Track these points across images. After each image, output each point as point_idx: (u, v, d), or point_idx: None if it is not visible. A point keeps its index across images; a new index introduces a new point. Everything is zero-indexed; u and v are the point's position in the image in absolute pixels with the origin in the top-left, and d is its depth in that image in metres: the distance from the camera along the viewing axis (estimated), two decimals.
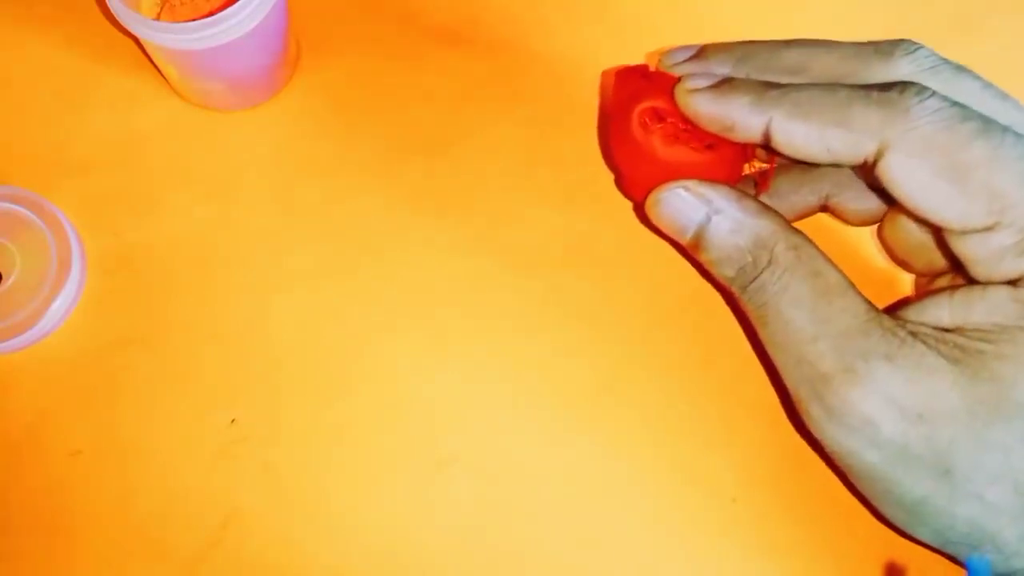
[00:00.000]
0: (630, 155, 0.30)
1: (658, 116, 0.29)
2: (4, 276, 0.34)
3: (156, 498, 0.32)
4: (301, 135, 0.36)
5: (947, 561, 0.29)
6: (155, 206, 0.35)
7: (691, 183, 0.29)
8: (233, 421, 0.32)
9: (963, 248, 0.26)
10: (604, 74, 0.36)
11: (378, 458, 0.32)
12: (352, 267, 0.34)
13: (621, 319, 0.34)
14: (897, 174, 0.26)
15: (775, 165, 0.31)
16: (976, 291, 0.27)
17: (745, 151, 0.30)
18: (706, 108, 0.28)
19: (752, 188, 0.32)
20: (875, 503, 0.28)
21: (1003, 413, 0.25)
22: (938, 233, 0.28)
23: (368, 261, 0.34)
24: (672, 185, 0.29)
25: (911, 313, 0.28)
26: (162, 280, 0.34)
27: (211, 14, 0.31)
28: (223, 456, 0.32)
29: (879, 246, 0.33)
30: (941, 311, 0.27)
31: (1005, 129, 0.25)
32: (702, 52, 0.30)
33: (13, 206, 0.34)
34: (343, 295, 0.34)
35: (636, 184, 0.31)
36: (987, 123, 0.25)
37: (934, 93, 0.26)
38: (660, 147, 0.29)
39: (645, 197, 0.30)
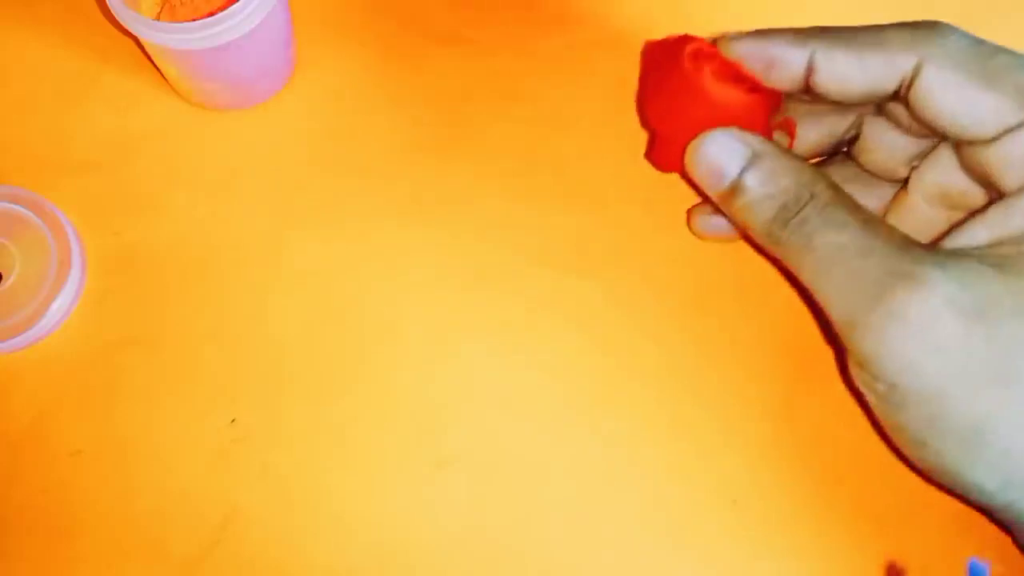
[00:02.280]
0: (672, 98, 0.30)
1: (707, 57, 0.30)
2: (4, 276, 0.34)
3: (156, 498, 0.32)
4: (301, 135, 0.36)
5: (947, 561, 0.29)
6: (155, 206, 0.35)
7: (734, 130, 0.30)
8: (233, 421, 0.32)
9: (995, 156, 0.27)
10: (647, 42, 0.36)
11: (378, 458, 0.32)
12: (352, 267, 0.34)
13: (621, 319, 0.34)
14: (934, 85, 0.27)
15: (795, 121, 0.32)
16: (1011, 200, 0.27)
17: (779, 101, 0.31)
18: (751, 46, 0.30)
19: (783, 139, 0.33)
20: (927, 439, 0.27)
21: None
22: (966, 159, 0.29)
23: (368, 261, 0.34)
24: (718, 129, 0.30)
25: (946, 242, 0.28)
26: (162, 280, 0.34)
27: (211, 14, 0.31)
28: (223, 456, 0.32)
29: None
30: (976, 232, 0.28)
31: None
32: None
33: (13, 206, 0.34)
34: (343, 295, 0.34)
35: (675, 132, 0.31)
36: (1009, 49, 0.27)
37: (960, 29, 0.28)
38: (710, 80, 0.29)
39: (683, 147, 0.30)
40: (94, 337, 0.34)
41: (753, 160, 0.29)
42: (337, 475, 0.32)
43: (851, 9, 0.38)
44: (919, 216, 0.31)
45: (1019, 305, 0.25)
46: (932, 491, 0.31)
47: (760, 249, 0.34)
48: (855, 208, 0.28)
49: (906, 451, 0.28)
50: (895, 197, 0.32)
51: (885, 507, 0.31)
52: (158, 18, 0.36)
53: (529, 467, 0.32)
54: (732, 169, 0.29)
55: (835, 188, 0.28)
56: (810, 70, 0.29)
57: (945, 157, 0.30)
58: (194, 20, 0.31)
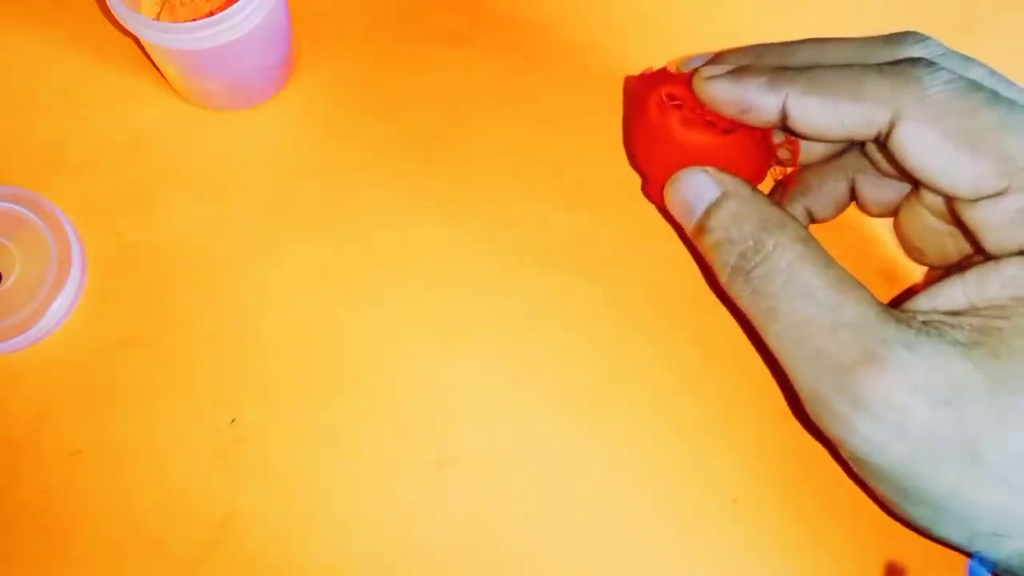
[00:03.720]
0: (649, 142, 0.31)
1: (676, 101, 0.30)
2: (4, 276, 0.34)
3: (156, 498, 0.32)
4: (301, 135, 0.36)
5: (947, 561, 0.29)
6: (155, 206, 0.35)
7: (710, 168, 0.29)
8: (233, 421, 0.32)
9: (975, 217, 0.26)
10: (627, 78, 0.36)
11: (378, 458, 0.32)
12: (352, 267, 0.34)
13: (621, 319, 0.34)
14: (909, 142, 0.26)
15: (798, 168, 0.32)
16: (989, 267, 0.26)
17: (763, 139, 0.30)
18: (722, 90, 0.29)
19: (778, 192, 0.33)
20: (898, 503, 0.27)
21: None
22: (951, 207, 0.28)
23: (368, 261, 0.34)
24: (691, 168, 0.29)
25: (923, 300, 0.27)
26: (162, 280, 0.34)
27: (211, 14, 0.31)
28: (223, 456, 0.32)
29: (895, 242, 0.33)
30: (955, 292, 0.27)
31: (1013, 100, 0.26)
32: (719, 55, 0.31)
33: (13, 206, 0.34)
34: (343, 295, 0.34)
35: (656, 174, 0.31)
36: (995, 94, 0.26)
37: (943, 67, 0.26)
38: (678, 128, 0.29)
39: (663, 188, 0.30)
40: (94, 337, 0.34)
41: (719, 201, 0.29)
42: (337, 475, 0.32)
43: (846, 13, 0.38)
44: (925, 223, 0.31)
45: (989, 387, 0.25)
46: None
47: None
48: (824, 266, 0.27)
49: (879, 501, 0.29)
50: (907, 197, 0.31)
51: None
52: (158, 18, 0.36)
53: (529, 467, 0.32)
54: (698, 207, 0.29)
55: (804, 240, 0.27)
56: (784, 115, 0.28)
57: (928, 199, 0.30)
58: (194, 20, 0.31)
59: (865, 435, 0.26)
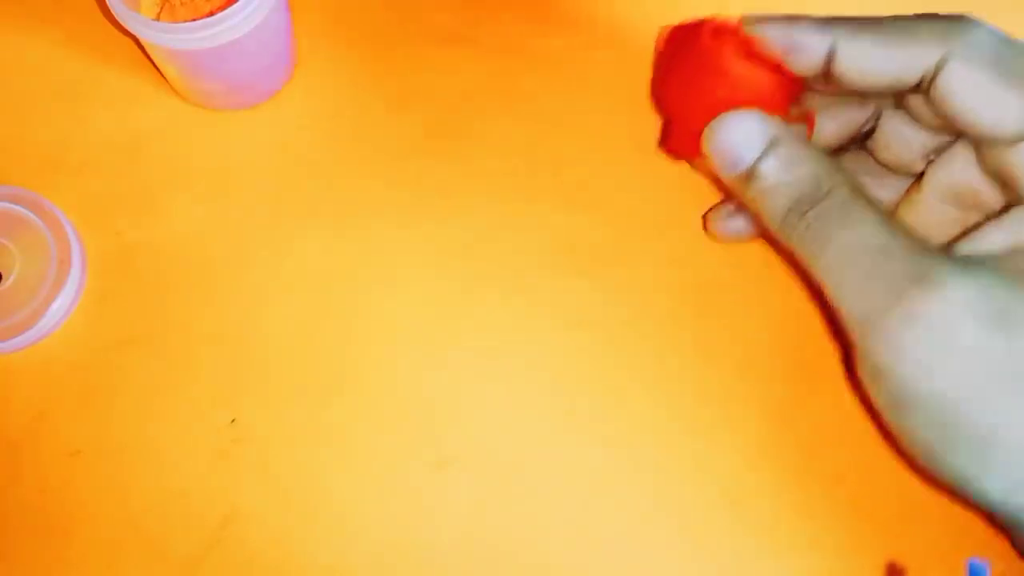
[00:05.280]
0: (695, 76, 0.30)
1: (728, 34, 0.29)
2: (4, 276, 0.34)
3: (156, 498, 0.32)
4: (301, 135, 0.36)
5: (947, 561, 0.29)
6: (155, 206, 0.35)
7: (758, 111, 0.29)
8: (233, 421, 0.32)
9: (1017, 159, 0.27)
10: (664, 28, 0.34)
11: (378, 458, 0.32)
12: (352, 267, 0.34)
13: (621, 319, 0.34)
14: (956, 82, 0.27)
15: (814, 112, 0.32)
16: None
17: (799, 90, 0.30)
18: (773, 28, 0.29)
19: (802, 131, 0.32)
20: (938, 449, 0.26)
21: None
22: (986, 157, 0.28)
23: (368, 261, 0.34)
24: (739, 111, 0.29)
25: (963, 246, 0.28)
26: (162, 280, 0.34)
27: (211, 14, 0.31)
28: (223, 456, 0.32)
29: None
30: (994, 237, 0.27)
31: None
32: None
33: (13, 206, 0.34)
34: (343, 295, 0.34)
35: (693, 118, 0.30)
36: None
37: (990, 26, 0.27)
38: (732, 60, 0.29)
39: (700, 133, 0.29)
40: (94, 337, 0.34)
41: (772, 145, 0.28)
42: (337, 475, 0.32)
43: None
44: (930, 213, 0.31)
45: None
46: (932, 491, 0.31)
47: (770, 243, 0.34)
48: (873, 205, 0.27)
49: (912, 455, 0.28)
50: (907, 192, 0.32)
51: (885, 507, 0.31)
52: (158, 18, 0.36)
53: (529, 467, 0.32)
54: (749, 153, 0.28)
55: (853, 183, 0.28)
56: (831, 57, 0.28)
57: (962, 155, 0.30)
58: (194, 20, 0.31)
59: (916, 354, 0.26)
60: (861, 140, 0.33)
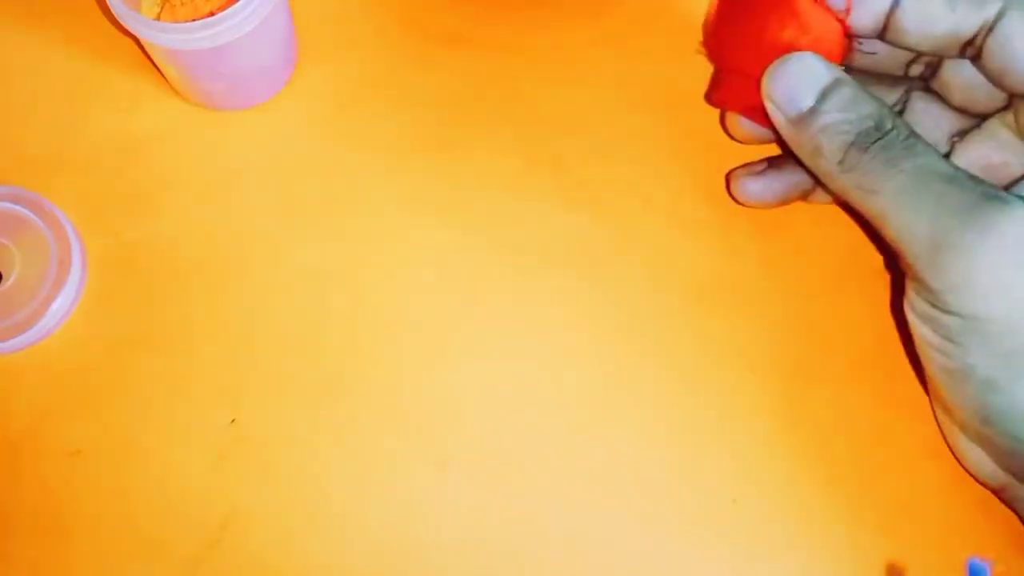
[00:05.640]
0: (760, 18, 0.30)
1: None
2: (4, 276, 0.34)
3: (156, 498, 0.32)
4: (301, 135, 0.36)
5: (947, 561, 0.29)
6: (155, 206, 0.35)
7: (818, 55, 0.29)
8: (233, 421, 0.32)
9: None
10: None
11: (378, 458, 0.32)
12: (352, 267, 0.34)
13: (621, 319, 0.34)
14: (1013, 33, 0.28)
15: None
16: None
17: (848, 50, 0.31)
18: None
19: None
20: (999, 379, 0.26)
21: None
22: None
23: (368, 261, 0.34)
24: (803, 52, 0.29)
25: (1019, 188, 0.29)
26: (162, 280, 0.34)
27: (211, 14, 0.31)
28: (223, 456, 0.32)
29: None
30: None
31: None
32: None
33: (13, 206, 0.34)
34: (343, 295, 0.34)
35: (753, 61, 0.30)
36: None
37: None
38: (804, 2, 0.29)
39: (755, 79, 0.30)
40: (94, 337, 0.34)
41: (835, 84, 0.29)
42: (337, 475, 0.32)
43: None
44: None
45: None
46: (932, 491, 0.31)
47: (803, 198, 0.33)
48: (930, 144, 0.28)
49: (962, 400, 0.28)
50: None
51: (885, 507, 0.31)
52: (158, 18, 0.36)
53: (530, 467, 0.32)
54: (811, 93, 0.29)
55: (913, 127, 0.28)
56: (893, 9, 0.29)
57: (988, 133, 0.30)
58: (194, 20, 0.31)
59: (991, 272, 0.26)
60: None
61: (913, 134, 0.28)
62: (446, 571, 0.31)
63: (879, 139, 0.28)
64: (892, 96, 0.33)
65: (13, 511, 0.32)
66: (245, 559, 0.31)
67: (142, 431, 0.32)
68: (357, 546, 0.31)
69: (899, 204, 0.27)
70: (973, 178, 0.27)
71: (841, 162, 0.28)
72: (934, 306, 0.27)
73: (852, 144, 0.28)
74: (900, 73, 0.32)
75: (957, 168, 0.27)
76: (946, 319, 0.27)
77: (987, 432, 0.28)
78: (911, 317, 0.28)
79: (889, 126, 0.28)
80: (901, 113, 0.33)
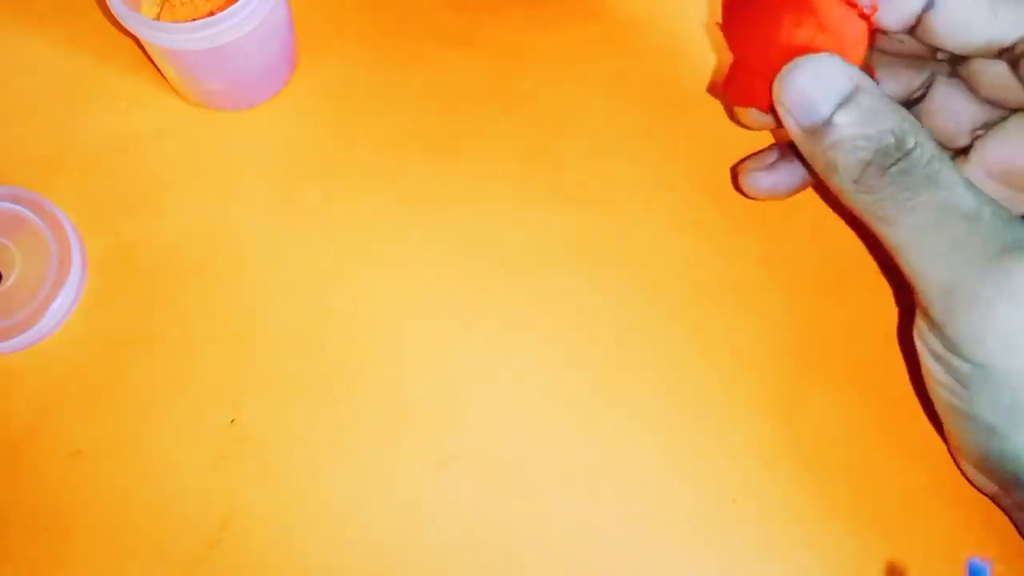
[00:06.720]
0: (776, 12, 0.27)
1: None
2: (4, 276, 0.34)
3: (156, 498, 0.32)
4: (301, 135, 0.36)
5: (947, 561, 0.29)
6: (155, 206, 0.35)
7: (837, 56, 0.26)
8: (233, 421, 0.32)
9: None
10: None
11: (378, 458, 0.32)
12: (352, 267, 0.34)
13: (621, 319, 0.34)
14: None
15: (872, 69, 0.30)
16: None
17: (871, 44, 0.28)
18: None
19: None
20: (1004, 428, 0.25)
21: None
22: None
23: (368, 261, 0.34)
24: (819, 54, 0.27)
25: None
26: (162, 280, 0.34)
27: (211, 14, 0.31)
28: (223, 456, 0.32)
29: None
30: None
31: None
32: None
33: (13, 206, 0.34)
34: (343, 295, 0.34)
35: (767, 57, 0.28)
36: None
37: None
38: None
39: (769, 76, 0.27)
40: (94, 337, 0.34)
41: (854, 94, 0.26)
42: (337, 475, 0.32)
43: None
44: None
45: None
46: (932, 491, 0.31)
47: (819, 191, 0.33)
48: (956, 169, 0.26)
49: (961, 433, 0.27)
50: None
51: (885, 507, 0.31)
52: (158, 18, 0.36)
53: (530, 467, 0.32)
54: (827, 101, 0.26)
55: (936, 143, 0.26)
56: (927, 9, 0.26)
57: (1015, 130, 0.28)
58: (194, 20, 0.31)
59: (1005, 327, 0.24)
60: (908, 107, 0.31)
61: (939, 154, 0.26)
62: (446, 571, 0.31)
63: (900, 159, 0.25)
64: (916, 80, 0.30)
65: (13, 511, 0.32)
66: (245, 559, 0.31)
67: (142, 431, 0.32)
68: (357, 546, 0.31)
69: (916, 243, 0.26)
70: (996, 214, 0.25)
71: (857, 181, 0.26)
72: (947, 348, 0.26)
73: (870, 163, 0.26)
74: (926, 55, 0.30)
75: (980, 199, 0.25)
76: (957, 362, 0.26)
77: (984, 466, 0.27)
78: (920, 347, 0.27)
79: (911, 144, 0.25)
80: (922, 98, 0.30)
